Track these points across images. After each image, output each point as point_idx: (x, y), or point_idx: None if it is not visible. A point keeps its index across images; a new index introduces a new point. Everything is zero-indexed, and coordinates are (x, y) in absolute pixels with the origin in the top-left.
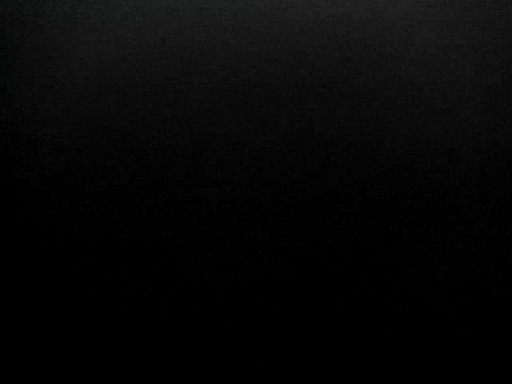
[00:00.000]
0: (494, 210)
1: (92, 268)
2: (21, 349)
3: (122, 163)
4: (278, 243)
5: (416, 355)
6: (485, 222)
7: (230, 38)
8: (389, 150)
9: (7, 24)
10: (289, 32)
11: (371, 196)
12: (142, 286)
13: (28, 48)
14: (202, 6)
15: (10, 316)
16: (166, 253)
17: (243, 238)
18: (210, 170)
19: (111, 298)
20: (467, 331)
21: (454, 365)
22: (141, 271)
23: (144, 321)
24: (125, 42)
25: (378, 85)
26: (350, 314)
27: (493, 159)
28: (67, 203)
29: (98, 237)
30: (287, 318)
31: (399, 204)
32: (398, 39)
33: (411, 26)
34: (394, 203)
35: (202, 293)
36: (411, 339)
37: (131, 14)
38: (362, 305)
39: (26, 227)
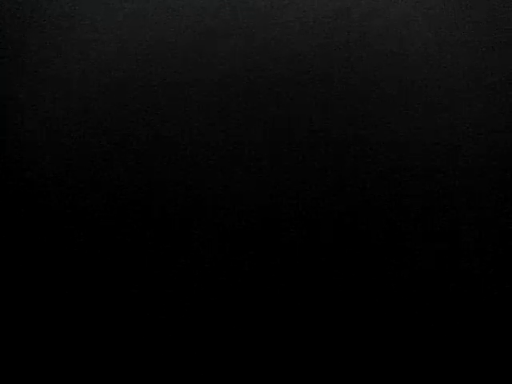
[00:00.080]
0: (494, 209)
1: (92, 268)
2: (21, 349)
3: (122, 163)
4: (278, 243)
5: (416, 355)
6: (485, 221)
7: (229, 38)
8: (388, 148)
9: (7, 24)
10: (289, 33)
11: (370, 194)
12: (142, 286)
13: (28, 48)
14: (202, 5)
15: (10, 315)
16: (166, 252)
17: (243, 237)
18: (210, 170)
19: (111, 297)
20: (467, 331)
21: (454, 365)
22: (141, 271)
23: (144, 321)
24: (125, 41)
25: (377, 82)
26: (350, 314)
27: (494, 157)
28: (67, 203)
29: (98, 236)
30: (287, 318)
31: (398, 202)
32: (397, 37)
33: (411, 24)
34: (393, 201)
35: (202, 293)
36: (411, 339)
37: (131, 13)
38: (362, 305)
39: (26, 227)
